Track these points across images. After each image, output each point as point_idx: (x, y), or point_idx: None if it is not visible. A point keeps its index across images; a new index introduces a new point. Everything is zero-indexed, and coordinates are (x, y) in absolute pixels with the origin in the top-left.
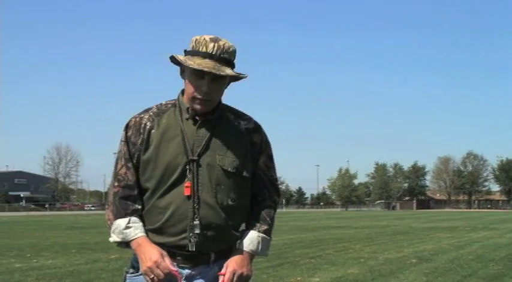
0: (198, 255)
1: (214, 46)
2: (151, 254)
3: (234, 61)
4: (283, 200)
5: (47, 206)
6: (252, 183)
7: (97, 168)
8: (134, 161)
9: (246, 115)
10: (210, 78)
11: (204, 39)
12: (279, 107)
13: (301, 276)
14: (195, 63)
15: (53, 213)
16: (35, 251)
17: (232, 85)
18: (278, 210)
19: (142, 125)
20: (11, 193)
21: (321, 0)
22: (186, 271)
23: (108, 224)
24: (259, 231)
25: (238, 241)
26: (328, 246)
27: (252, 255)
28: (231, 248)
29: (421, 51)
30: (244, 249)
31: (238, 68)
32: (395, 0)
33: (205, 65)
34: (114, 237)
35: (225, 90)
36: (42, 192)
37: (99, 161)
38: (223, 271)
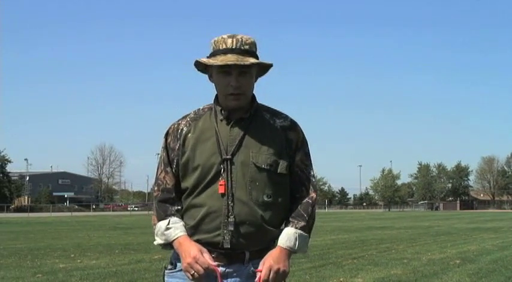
0: (233, 254)
1: (232, 41)
2: (190, 250)
3: (257, 53)
4: (326, 201)
5: (94, 206)
6: (290, 180)
7: (140, 169)
8: (174, 166)
9: (282, 113)
10: (236, 72)
11: (222, 37)
12: (322, 107)
13: (343, 277)
14: (218, 60)
15: (96, 213)
16: (78, 251)
17: (276, 84)
18: (321, 210)
19: (179, 131)
20: (55, 194)
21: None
22: (221, 269)
23: (154, 228)
24: (296, 228)
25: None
26: (370, 247)
27: (290, 251)
28: (268, 248)
29: (467, 52)
30: (281, 245)
31: (280, 64)
32: None
33: (228, 59)
34: (157, 240)
35: (260, 90)
36: (86, 192)
37: (143, 161)
38: (260, 268)
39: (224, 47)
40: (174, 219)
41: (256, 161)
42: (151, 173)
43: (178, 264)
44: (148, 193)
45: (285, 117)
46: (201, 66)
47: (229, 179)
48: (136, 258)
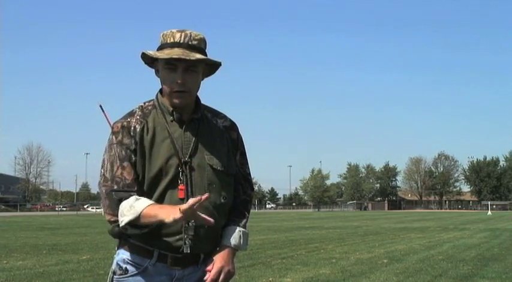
0: (189, 257)
1: (181, 35)
2: (172, 207)
3: (206, 50)
4: (256, 201)
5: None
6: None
7: (69, 168)
8: (131, 161)
9: (221, 113)
10: (182, 68)
11: (171, 31)
12: (252, 107)
13: (272, 277)
14: (164, 53)
15: (23, 213)
16: (5, 252)
17: (208, 86)
18: (251, 210)
19: (132, 128)
20: None
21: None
22: (177, 272)
23: (111, 221)
24: (239, 226)
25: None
26: (300, 247)
27: (236, 250)
28: (215, 249)
29: (391, 51)
30: (228, 244)
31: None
32: None
33: (174, 52)
34: (125, 219)
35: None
36: (13, 192)
37: (71, 161)
38: (209, 267)
39: (172, 40)
40: (138, 196)
41: (212, 164)
42: (79, 173)
43: (128, 268)
44: (77, 193)
45: (225, 117)
46: (147, 59)
47: (188, 183)
48: (64, 259)
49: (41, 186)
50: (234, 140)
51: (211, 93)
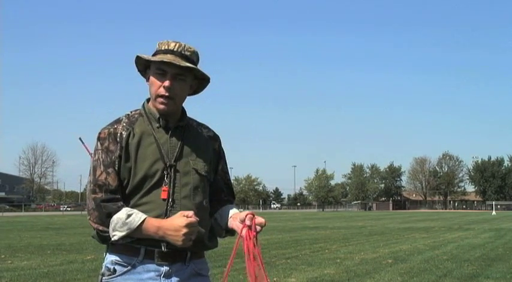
0: (176, 253)
1: (175, 45)
2: (176, 221)
3: (198, 65)
4: (261, 201)
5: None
6: (211, 186)
7: (73, 169)
8: (116, 168)
9: (205, 124)
10: (171, 74)
11: (167, 40)
12: (256, 107)
13: (277, 277)
14: (157, 58)
15: (28, 213)
16: (9, 252)
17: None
18: (255, 210)
19: (119, 134)
20: None
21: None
22: (165, 268)
23: (99, 229)
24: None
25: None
26: (304, 247)
27: None
28: (203, 249)
29: (395, 51)
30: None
31: (218, 67)
32: None
33: (166, 57)
34: (117, 234)
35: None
36: (18, 192)
37: (76, 161)
38: (247, 222)
39: (166, 48)
40: (128, 208)
41: (197, 168)
42: (84, 173)
43: (117, 268)
44: (81, 193)
45: (208, 127)
46: (141, 66)
47: (171, 185)
48: (68, 259)
49: (46, 186)
50: (215, 149)
51: (213, 94)
